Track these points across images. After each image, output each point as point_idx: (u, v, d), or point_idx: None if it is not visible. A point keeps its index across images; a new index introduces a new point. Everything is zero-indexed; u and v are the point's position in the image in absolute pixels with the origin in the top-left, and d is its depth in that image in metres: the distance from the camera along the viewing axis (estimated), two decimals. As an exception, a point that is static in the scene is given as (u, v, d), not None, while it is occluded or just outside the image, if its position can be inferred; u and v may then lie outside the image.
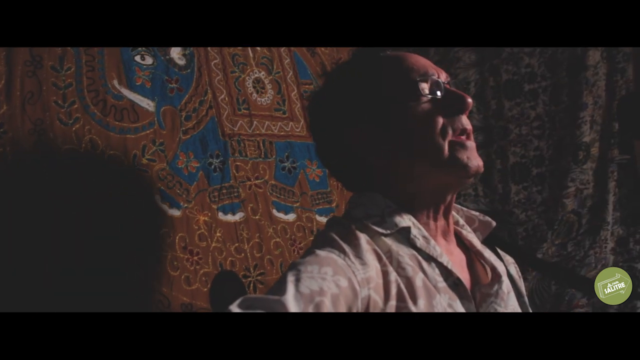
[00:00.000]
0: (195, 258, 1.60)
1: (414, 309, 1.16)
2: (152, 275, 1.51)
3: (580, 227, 2.39)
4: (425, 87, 1.24)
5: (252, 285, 1.66)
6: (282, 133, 1.87)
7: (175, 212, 1.60)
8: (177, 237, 1.58)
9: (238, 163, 1.75)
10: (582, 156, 2.39)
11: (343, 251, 1.17)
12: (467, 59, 2.58)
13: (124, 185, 1.53)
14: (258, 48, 1.88)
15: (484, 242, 1.43)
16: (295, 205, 1.83)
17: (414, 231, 1.25)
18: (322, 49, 2.03)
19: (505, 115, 2.53)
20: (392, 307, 1.16)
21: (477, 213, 1.46)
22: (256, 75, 1.87)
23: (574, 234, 2.39)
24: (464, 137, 1.25)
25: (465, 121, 1.26)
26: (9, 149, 1.40)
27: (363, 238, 1.21)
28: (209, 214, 1.66)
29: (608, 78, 2.40)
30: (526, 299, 1.45)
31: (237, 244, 1.68)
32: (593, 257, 2.35)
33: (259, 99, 1.86)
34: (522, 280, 1.51)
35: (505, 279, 1.34)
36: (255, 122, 1.82)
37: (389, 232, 1.24)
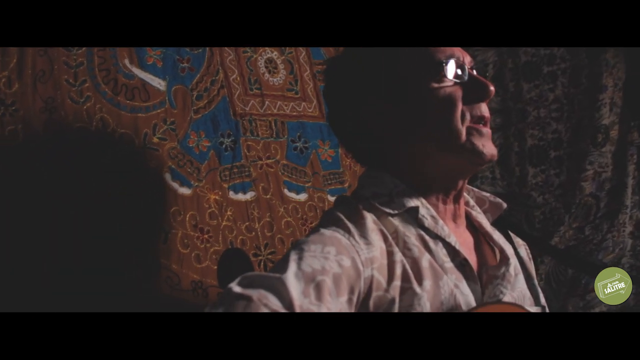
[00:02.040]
0: (206, 236, 1.61)
1: (418, 290, 1.16)
2: (160, 253, 1.52)
3: (598, 211, 2.36)
4: (450, 70, 1.23)
5: (262, 263, 1.67)
6: (294, 113, 1.87)
7: (186, 191, 1.61)
8: (188, 216, 1.59)
9: (249, 142, 1.76)
10: (601, 139, 2.36)
11: (348, 230, 1.17)
12: (485, 40, 2.56)
13: (134, 164, 1.54)
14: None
15: (495, 224, 1.42)
16: (306, 185, 1.84)
17: (422, 211, 1.24)
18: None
19: (524, 98, 2.50)
20: (396, 287, 1.16)
21: (487, 194, 1.45)
22: (268, 56, 1.87)
23: (591, 217, 2.37)
24: (481, 125, 1.25)
25: (484, 108, 1.26)
26: (20, 127, 1.42)
27: (369, 218, 1.21)
28: (220, 193, 1.66)
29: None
30: (536, 281, 1.44)
31: (247, 223, 1.68)
32: (611, 240, 2.33)
33: (271, 79, 1.86)
34: (532, 262, 1.50)
35: (513, 261, 1.33)
36: (267, 102, 1.82)
37: (396, 212, 1.23)
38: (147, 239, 1.51)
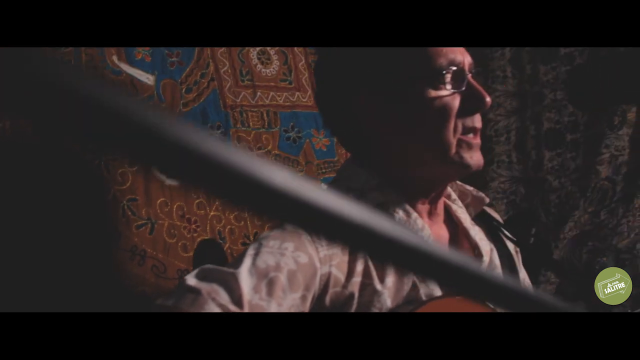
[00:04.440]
0: (193, 226, 1.66)
1: (379, 287, 1.16)
2: (145, 242, 1.58)
3: (614, 195, 2.31)
4: (449, 77, 1.19)
5: (251, 252, 1.71)
6: (288, 103, 1.90)
7: (174, 182, 1.66)
8: (175, 206, 1.65)
9: (240, 134, 1.80)
10: (617, 122, 2.30)
11: None
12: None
13: (119, 156, 1.60)
14: (264, 19, 1.91)
15: (479, 218, 1.40)
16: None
17: (393, 205, 1.24)
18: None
19: (541, 80, 2.46)
20: (355, 283, 1.17)
21: (471, 188, 1.43)
22: (261, 47, 1.90)
23: (607, 201, 2.31)
24: (471, 136, 1.22)
25: (477, 119, 1.22)
26: (8, 124, 1.49)
27: None
28: (208, 184, 1.71)
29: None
30: (522, 274, 1.43)
31: (237, 212, 1.73)
32: (626, 225, 2.27)
33: (263, 70, 1.89)
34: (519, 255, 1.48)
35: (487, 258, 1.32)
36: (259, 93, 1.85)
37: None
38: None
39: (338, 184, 1.30)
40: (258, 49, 1.89)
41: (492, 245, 1.37)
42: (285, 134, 1.87)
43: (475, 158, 1.22)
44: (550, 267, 2.05)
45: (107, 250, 1.54)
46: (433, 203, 1.29)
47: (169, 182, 1.66)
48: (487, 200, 1.42)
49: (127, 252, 1.56)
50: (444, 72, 1.18)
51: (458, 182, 1.41)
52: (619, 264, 2.22)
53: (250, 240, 1.73)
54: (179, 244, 1.63)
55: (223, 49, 1.82)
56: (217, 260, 1.61)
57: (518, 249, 1.49)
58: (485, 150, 2.57)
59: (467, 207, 1.41)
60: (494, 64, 2.55)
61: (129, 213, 1.59)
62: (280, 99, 1.88)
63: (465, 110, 1.20)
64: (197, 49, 1.78)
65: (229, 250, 1.70)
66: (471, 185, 2.55)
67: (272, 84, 1.89)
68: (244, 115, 1.81)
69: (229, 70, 1.82)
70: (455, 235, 1.35)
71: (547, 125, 2.44)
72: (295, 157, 1.87)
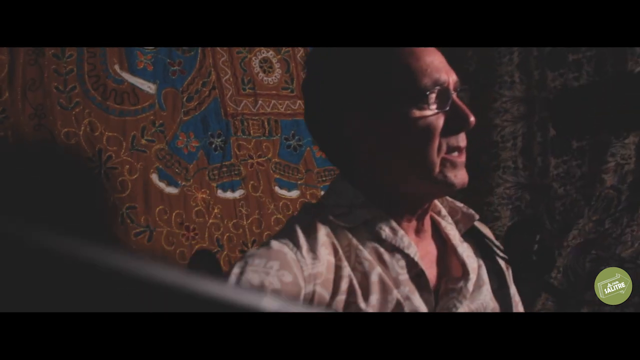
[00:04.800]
0: (192, 234, 1.68)
1: (363, 305, 1.18)
2: (143, 249, 1.61)
3: (619, 204, 2.30)
4: (433, 97, 1.19)
5: (249, 259, 1.74)
6: (289, 111, 1.91)
7: (173, 190, 1.69)
8: (174, 214, 1.67)
9: (240, 142, 1.82)
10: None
11: (297, 244, 1.19)
12: (510, 27, 2.52)
13: (120, 165, 1.63)
14: (267, 28, 1.92)
15: (469, 234, 1.41)
16: (299, 182, 1.88)
17: (379, 223, 1.25)
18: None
19: (548, 86, 2.45)
20: (340, 301, 1.18)
21: (461, 205, 1.43)
22: (264, 55, 1.92)
23: (612, 210, 2.31)
24: (455, 155, 1.22)
25: (461, 138, 1.22)
26: (10, 133, 1.52)
27: (322, 231, 1.22)
28: (207, 192, 1.74)
29: (655, 48, 2.29)
30: (512, 290, 1.43)
31: (235, 220, 1.75)
32: (630, 235, 2.26)
33: (265, 78, 1.91)
34: (509, 271, 1.48)
35: (474, 276, 1.32)
36: (260, 101, 1.87)
37: (352, 225, 1.24)
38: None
39: (328, 199, 1.31)
40: (260, 57, 1.91)
41: (481, 262, 1.38)
42: (286, 142, 1.89)
43: (459, 176, 1.22)
44: (547, 289, 2.05)
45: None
46: (420, 220, 1.30)
47: (168, 190, 1.69)
48: (477, 217, 1.42)
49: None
50: (428, 92, 1.18)
51: (448, 199, 1.42)
52: (622, 273, 2.21)
53: (248, 247, 1.75)
54: (177, 251, 1.66)
55: (225, 57, 1.84)
56: (211, 269, 1.64)
57: (509, 266, 1.49)
58: (491, 156, 2.59)
59: (457, 223, 1.41)
60: (502, 69, 2.54)
61: (128, 221, 1.62)
62: (282, 107, 1.90)
63: (450, 130, 1.20)
64: (198, 57, 1.80)
65: (226, 258, 1.72)
66: (477, 191, 2.56)
67: (274, 92, 1.91)
68: (245, 123, 1.83)
69: (231, 79, 1.84)
70: (444, 252, 1.35)
71: (553, 131, 2.43)
72: (296, 165, 1.89)
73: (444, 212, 1.40)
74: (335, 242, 1.22)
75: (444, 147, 1.20)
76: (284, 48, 1.95)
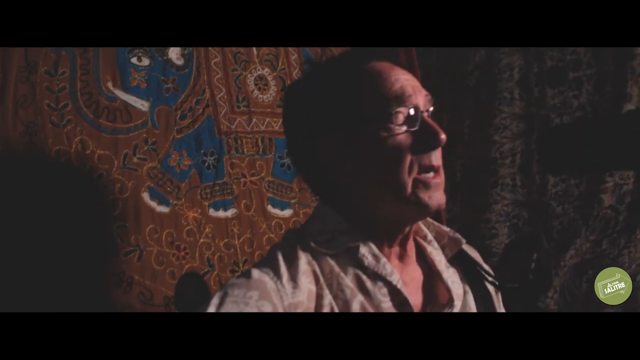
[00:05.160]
0: (182, 253, 1.67)
1: None
2: (132, 269, 1.60)
3: (616, 224, 2.28)
4: (400, 117, 1.19)
5: (240, 279, 1.73)
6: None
7: (164, 209, 1.68)
8: (165, 233, 1.66)
9: (234, 160, 1.81)
10: (623, 150, 2.27)
11: (277, 273, 1.18)
12: (512, 43, 2.50)
13: (111, 184, 1.62)
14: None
15: (455, 259, 1.40)
16: (292, 201, 1.87)
17: (362, 250, 1.23)
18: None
19: (548, 104, 2.44)
20: None
21: (447, 229, 1.42)
22: (259, 73, 1.91)
23: (609, 230, 2.29)
24: (429, 175, 1.20)
25: (434, 157, 1.20)
26: (0, 150, 1.51)
27: (304, 259, 1.21)
28: (199, 211, 1.72)
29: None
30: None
31: (226, 240, 1.74)
32: (627, 256, 2.25)
33: (260, 95, 1.89)
34: (499, 295, 1.47)
35: (459, 302, 1.32)
36: (254, 120, 1.86)
37: (334, 252, 1.24)
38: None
39: (312, 225, 1.30)
40: (256, 74, 1.90)
41: (467, 287, 1.36)
42: (280, 161, 1.88)
43: (434, 198, 1.20)
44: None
45: (95, 276, 1.57)
46: (402, 245, 1.29)
47: (159, 209, 1.68)
48: (464, 241, 1.41)
49: (114, 278, 1.59)
50: (394, 111, 1.18)
51: (435, 223, 1.41)
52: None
53: (240, 268, 1.74)
54: (167, 271, 1.65)
55: (220, 74, 1.83)
56: (198, 291, 1.63)
57: (497, 289, 1.48)
58: (489, 172, 2.57)
59: (443, 248, 1.40)
60: (502, 85, 2.53)
61: (118, 240, 1.61)
62: (277, 125, 1.89)
63: (420, 148, 1.19)
64: (193, 75, 1.79)
65: (217, 278, 1.71)
66: (475, 208, 2.55)
67: (269, 109, 1.90)
68: (239, 141, 1.82)
69: (225, 97, 1.83)
70: (430, 277, 1.34)
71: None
72: (289, 184, 1.88)
73: (429, 236, 1.39)
74: (317, 269, 1.21)
75: (415, 167, 1.19)
76: (280, 65, 1.94)
